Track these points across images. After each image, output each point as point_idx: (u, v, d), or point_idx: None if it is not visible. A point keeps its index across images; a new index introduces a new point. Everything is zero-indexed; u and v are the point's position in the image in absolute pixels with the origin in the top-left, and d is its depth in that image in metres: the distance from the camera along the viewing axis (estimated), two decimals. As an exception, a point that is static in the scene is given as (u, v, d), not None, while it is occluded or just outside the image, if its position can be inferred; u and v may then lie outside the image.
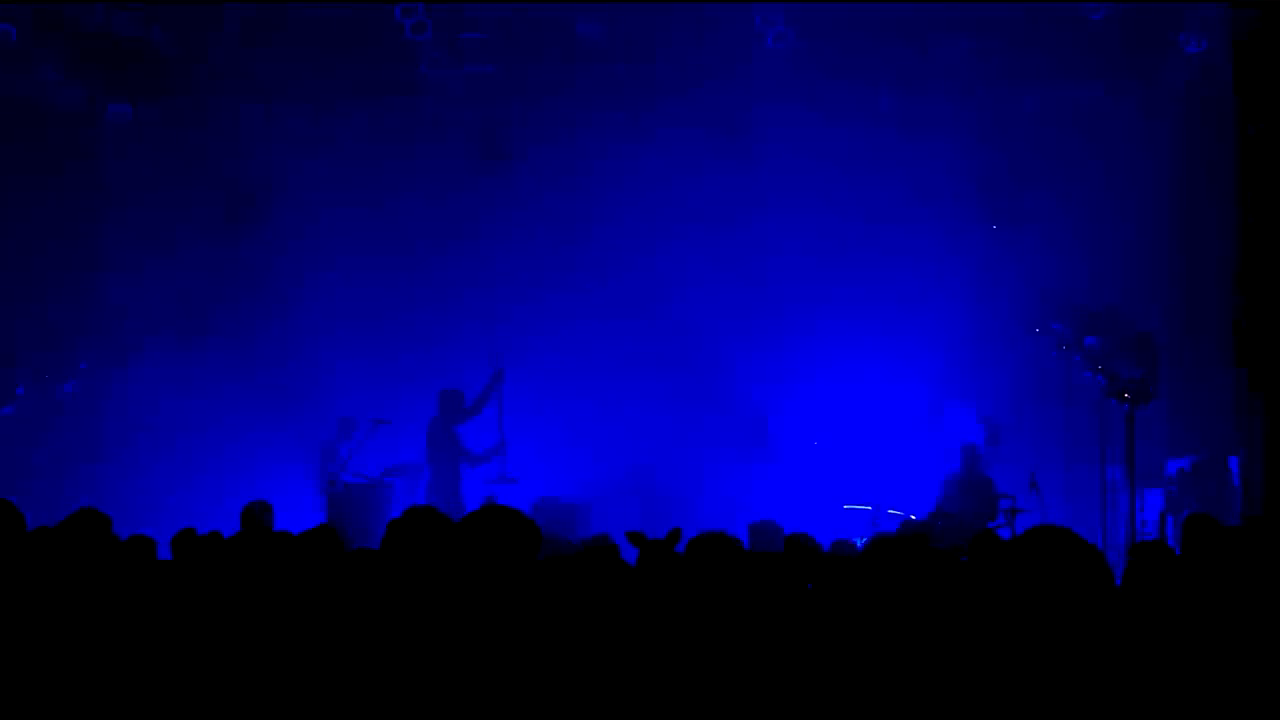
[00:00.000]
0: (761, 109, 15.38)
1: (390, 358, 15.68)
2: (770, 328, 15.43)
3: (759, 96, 15.23)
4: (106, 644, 4.48)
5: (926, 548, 4.61)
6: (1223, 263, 13.85)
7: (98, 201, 16.22)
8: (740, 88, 15.18)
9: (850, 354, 15.23)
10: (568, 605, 4.34)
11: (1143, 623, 4.51)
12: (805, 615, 4.73)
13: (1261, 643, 4.33)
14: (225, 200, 15.99)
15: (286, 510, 11.14)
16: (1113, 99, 15.20)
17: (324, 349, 15.65)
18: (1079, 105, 15.25)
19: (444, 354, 15.61)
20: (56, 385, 15.62)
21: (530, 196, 15.74)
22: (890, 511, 12.94)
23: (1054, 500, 12.88)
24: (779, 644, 4.34)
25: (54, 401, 15.56)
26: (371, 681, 4.02)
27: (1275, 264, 12.90)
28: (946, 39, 14.34)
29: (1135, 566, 4.87)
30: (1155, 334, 14.00)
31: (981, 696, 3.96)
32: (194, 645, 4.31)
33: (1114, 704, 3.98)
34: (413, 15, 14.43)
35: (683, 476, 15.01)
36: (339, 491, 13.63)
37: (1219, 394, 13.78)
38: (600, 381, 15.48)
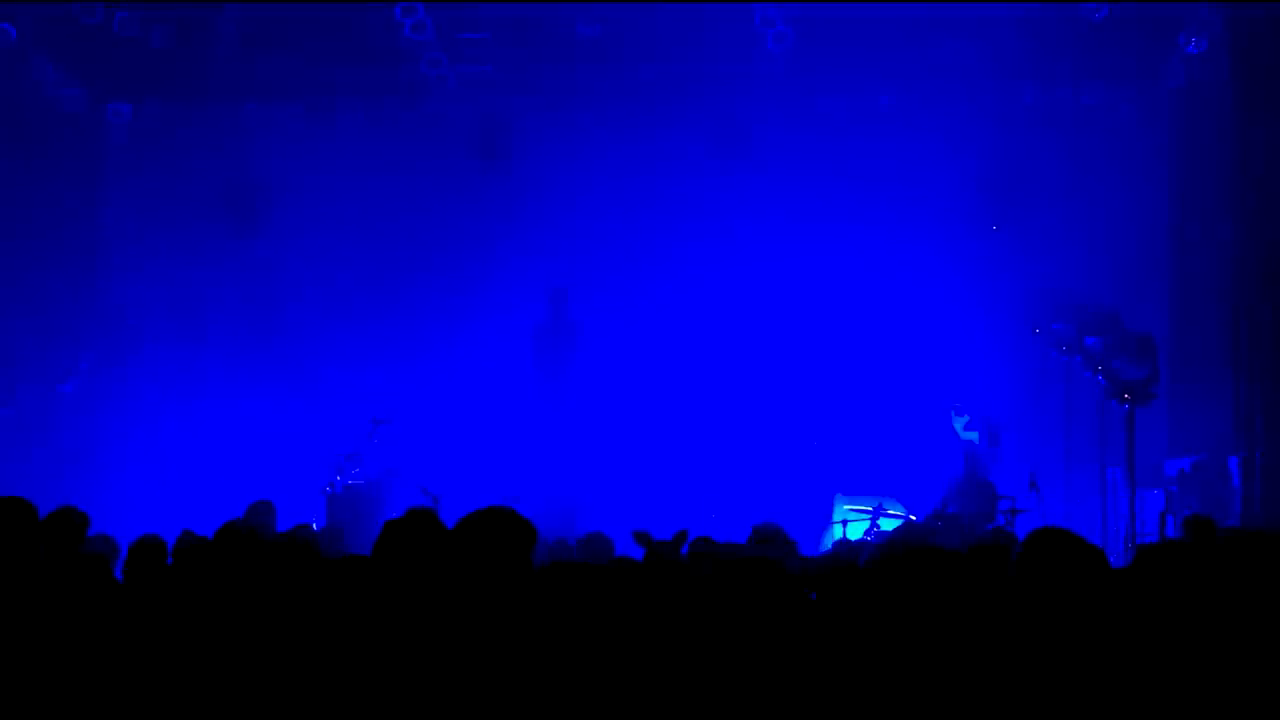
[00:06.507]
0: (761, 108, 15.38)
1: (389, 357, 15.68)
2: (769, 326, 15.43)
3: (758, 96, 15.24)
4: (99, 647, 4.49)
5: (933, 555, 4.60)
6: (1223, 263, 13.86)
7: (98, 201, 16.21)
8: (740, 88, 15.17)
9: (850, 354, 15.23)
10: (564, 606, 4.34)
11: (1152, 622, 4.51)
12: (808, 622, 4.72)
13: (1261, 644, 4.32)
14: (225, 200, 15.98)
15: (289, 511, 11.14)
16: (1113, 99, 15.20)
17: (323, 348, 15.65)
18: (1079, 105, 15.25)
19: (443, 353, 15.62)
20: (56, 385, 15.61)
21: (529, 196, 15.73)
22: (890, 512, 12.94)
23: (1054, 500, 12.88)
24: (781, 649, 4.34)
25: (54, 401, 15.54)
26: (367, 684, 4.02)
27: (1275, 264, 12.92)
28: (946, 39, 14.34)
29: (1145, 567, 4.86)
30: (1155, 334, 13.99)
31: (986, 698, 3.96)
32: (188, 648, 4.31)
33: (1118, 704, 3.98)
34: (413, 15, 14.44)
35: (682, 477, 15.01)
36: (338, 493, 13.63)
37: (1219, 394, 13.78)
38: (599, 380, 15.47)
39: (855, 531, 12.82)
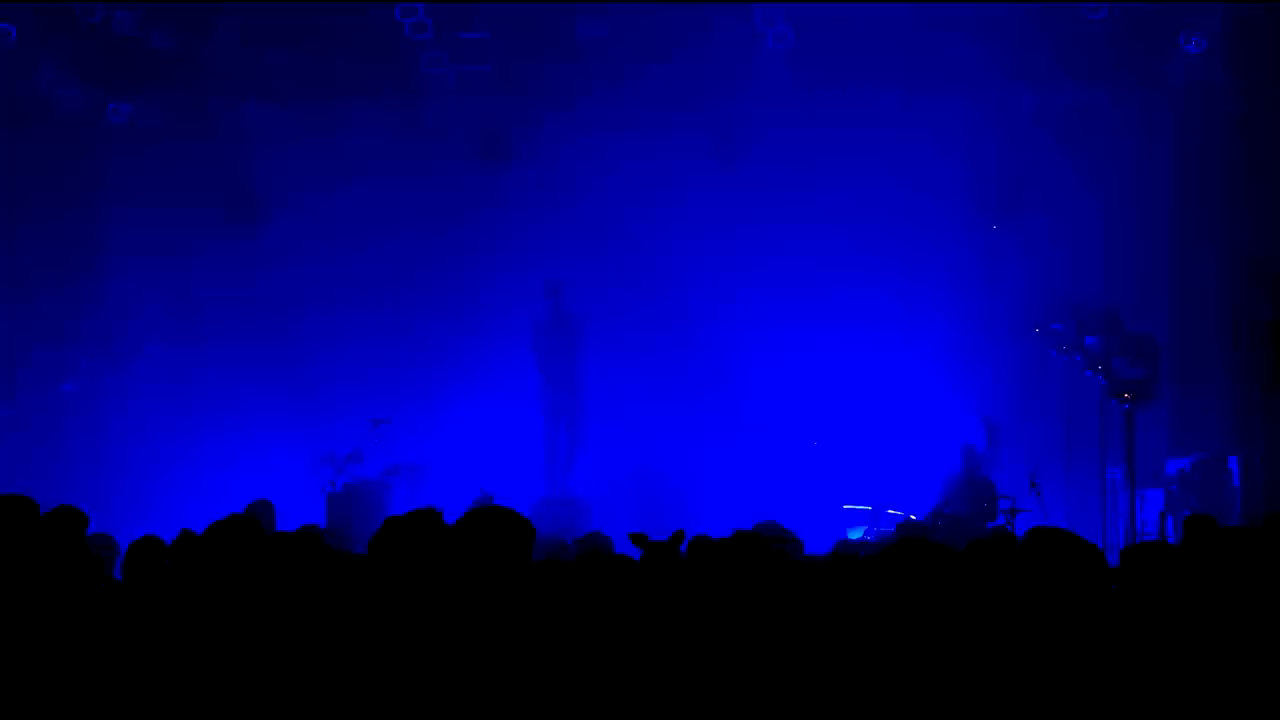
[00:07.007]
0: (761, 109, 15.37)
1: (390, 356, 15.68)
2: (770, 326, 15.42)
3: (759, 96, 15.23)
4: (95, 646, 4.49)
5: (931, 549, 4.60)
6: (1223, 263, 13.87)
7: (98, 201, 16.20)
8: (740, 88, 15.17)
9: (850, 353, 15.23)
10: (564, 606, 4.34)
11: (1143, 622, 4.51)
12: (809, 616, 4.72)
13: (1261, 643, 4.33)
14: (225, 200, 15.99)
15: (288, 511, 11.15)
16: (1113, 99, 15.18)
17: (324, 348, 15.65)
18: (1079, 105, 15.23)
19: (443, 352, 15.62)
20: (56, 385, 15.61)
21: (529, 195, 15.72)
22: (890, 511, 12.94)
23: (1054, 500, 12.87)
24: (782, 645, 4.34)
25: (54, 401, 15.54)
26: (366, 684, 4.02)
27: (1275, 264, 12.94)
28: (947, 39, 14.34)
29: (1131, 568, 4.87)
30: (1155, 334, 13.99)
31: (985, 696, 3.96)
32: (185, 648, 4.31)
33: (1115, 703, 3.98)
34: (413, 15, 14.44)
35: (683, 476, 15.01)
36: (337, 492, 13.64)
37: (1219, 394, 13.79)
38: (599, 380, 15.47)
39: (856, 531, 12.83)
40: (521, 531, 4.31)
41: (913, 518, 12.57)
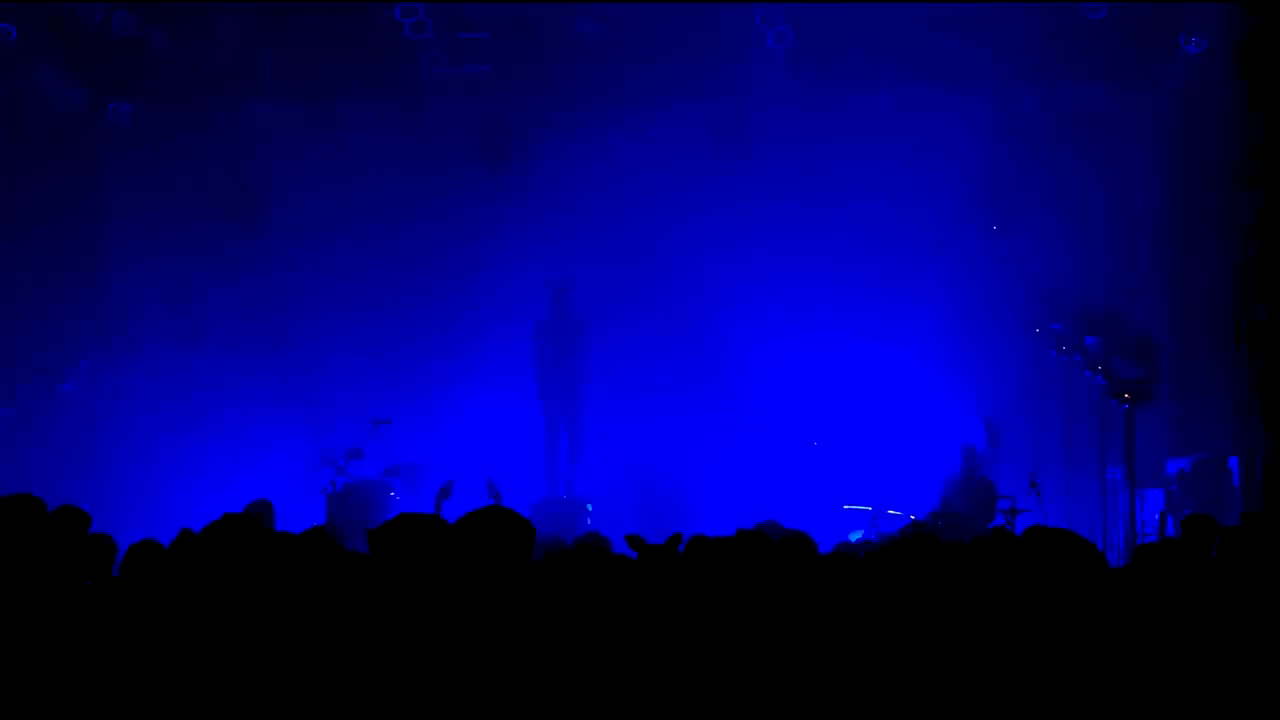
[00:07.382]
0: (761, 108, 15.39)
1: (390, 357, 15.69)
2: (770, 326, 15.43)
3: (759, 96, 15.24)
4: (95, 644, 4.49)
5: (932, 545, 4.60)
6: (1223, 263, 13.87)
7: (98, 201, 16.21)
8: (740, 87, 15.18)
9: (850, 354, 15.23)
10: (564, 605, 4.35)
11: (1145, 621, 4.51)
12: (809, 615, 4.73)
13: (1260, 641, 4.33)
14: (225, 200, 15.98)
15: (288, 511, 11.14)
16: (1113, 99, 15.19)
17: (324, 348, 15.66)
18: (1079, 105, 15.24)
19: (443, 352, 15.63)
20: (56, 385, 15.61)
21: (530, 195, 15.73)
22: (890, 511, 12.94)
23: (1054, 500, 12.88)
24: (782, 644, 4.34)
25: (54, 401, 15.54)
26: (365, 684, 4.02)
27: (1275, 264, 12.93)
28: (946, 39, 14.35)
29: (1143, 567, 4.87)
30: (1155, 334, 13.98)
31: (984, 695, 3.97)
32: (184, 647, 4.31)
33: (1114, 702, 3.99)
34: (413, 15, 14.44)
35: (683, 477, 15.01)
36: (338, 492, 13.64)
37: (1219, 394, 13.78)
38: (599, 380, 15.47)
39: (856, 533, 12.82)
40: (521, 531, 4.31)
41: (913, 518, 12.57)
